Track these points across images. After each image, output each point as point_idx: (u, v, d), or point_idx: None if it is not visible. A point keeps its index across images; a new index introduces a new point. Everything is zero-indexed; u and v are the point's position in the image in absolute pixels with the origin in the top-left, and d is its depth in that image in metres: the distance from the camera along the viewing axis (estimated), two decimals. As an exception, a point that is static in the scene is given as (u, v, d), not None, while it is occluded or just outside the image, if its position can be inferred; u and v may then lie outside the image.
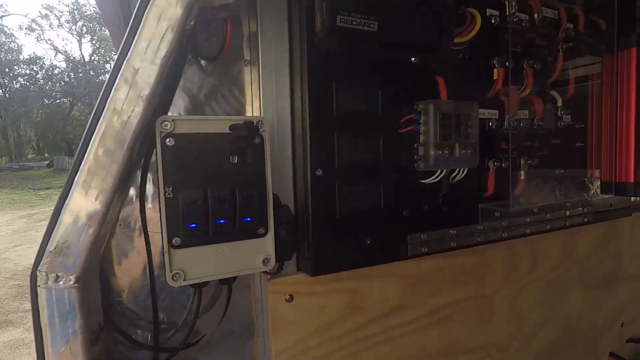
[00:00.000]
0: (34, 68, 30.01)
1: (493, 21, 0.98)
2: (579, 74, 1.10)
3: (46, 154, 31.27)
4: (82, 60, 31.70)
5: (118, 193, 0.67)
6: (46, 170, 22.68)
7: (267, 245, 0.77)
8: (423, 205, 0.93)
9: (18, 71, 29.31)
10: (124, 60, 0.64)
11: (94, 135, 0.63)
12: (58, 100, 31.35)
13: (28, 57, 30.21)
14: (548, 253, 1.16)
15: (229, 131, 0.74)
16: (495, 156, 0.99)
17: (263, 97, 0.86)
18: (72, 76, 30.92)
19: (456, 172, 0.94)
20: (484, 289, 1.07)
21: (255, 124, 0.75)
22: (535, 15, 1.03)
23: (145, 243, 0.74)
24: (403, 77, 0.90)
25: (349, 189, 0.85)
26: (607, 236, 1.27)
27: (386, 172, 0.89)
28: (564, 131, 1.08)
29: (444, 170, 0.91)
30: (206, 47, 0.81)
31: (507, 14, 1.00)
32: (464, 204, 0.98)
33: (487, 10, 0.99)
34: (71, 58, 31.92)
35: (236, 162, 0.74)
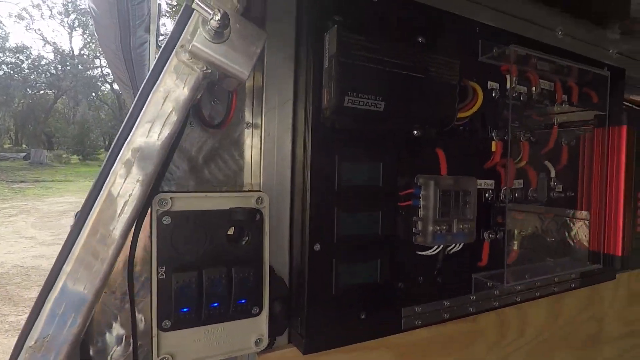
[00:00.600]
0: (20, 57, 29.15)
1: (493, 94, 0.99)
2: (572, 145, 1.13)
3: (24, 145, 30.29)
4: (72, 54, 31.02)
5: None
6: (22, 162, 21.96)
7: (260, 324, 0.75)
8: (419, 277, 0.93)
9: (2, 58, 28.41)
10: (124, 143, 0.61)
11: (87, 221, 0.60)
12: (42, 92, 30.52)
13: (15, 45, 29.36)
14: (536, 318, 1.17)
15: (229, 208, 0.72)
16: (490, 228, 1.00)
17: (264, 164, 0.85)
18: (60, 68, 30.17)
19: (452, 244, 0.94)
20: (473, 355, 1.07)
21: (255, 200, 0.74)
22: (533, 88, 1.05)
23: (132, 326, 0.70)
24: (405, 150, 0.90)
25: (347, 263, 0.84)
26: (591, 298, 1.30)
27: (384, 246, 0.88)
28: (556, 201, 1.09)
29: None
30: (209, 114, 0.79)
31: (508, 87, 1.01)
32: (458, 275, 0.98)
33: (488, 82, 1.00)
34: (60, 50, 31.22)
35: (234, 240, 0.72)
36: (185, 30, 0.62)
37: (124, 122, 0.62)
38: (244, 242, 0.72)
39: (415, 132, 0.90)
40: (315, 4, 0.79)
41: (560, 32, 1.21)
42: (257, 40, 0.64)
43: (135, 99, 0.63)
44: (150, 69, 0.63)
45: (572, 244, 1.15)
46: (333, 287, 0.83)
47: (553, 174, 1.09)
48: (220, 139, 0.87)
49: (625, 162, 1.06)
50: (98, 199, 0.60)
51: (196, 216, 0.70)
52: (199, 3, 0.56)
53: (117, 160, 0.61)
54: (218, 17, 0.56)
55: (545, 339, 1.19)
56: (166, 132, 0.63)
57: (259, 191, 0.77)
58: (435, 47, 0.88)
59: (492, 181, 1.02)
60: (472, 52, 0.97)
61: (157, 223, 0.66)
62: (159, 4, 1.60)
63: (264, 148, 0.84)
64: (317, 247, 0.80)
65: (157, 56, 0.64)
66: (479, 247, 1.00)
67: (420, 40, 0.89)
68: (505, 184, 1.02)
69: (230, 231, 0.75)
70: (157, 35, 1.57)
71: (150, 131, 0.62)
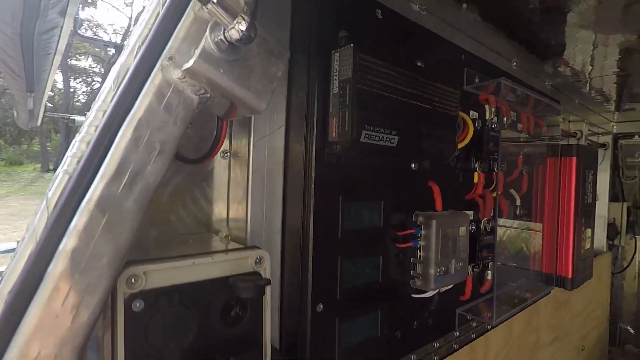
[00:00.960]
0: None
1: (477, 125, 0.97)
2: (530, 173, 1.18)
3: None
4: None
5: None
6: None
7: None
8: (414, 322, 0.85)
9: None
10: (72, 207, 0.40)
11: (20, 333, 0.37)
12: None
13: None
14: (496, 340, 1.20)
15: (220, 275, 0.54)
16: (475, 261, 0.97)
17: (251, 204, 0.67)
18: None
19: (444, 283, 0.89)
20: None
21: (255, 261, 0.57)
22: (505, 119, 1.06)
23: None
24: (404, 185, 0.81)
25: (349, 321, 0.72)
26: (532, 312, 1.40)
27: (384, 296, 0.78)
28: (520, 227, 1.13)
29: (437, 285, 0.85)
30: (188, 146, 0.59)
31: (487, 117, 1.01)
32: (445, 313, 0.94)
33: (470, 112, 0.98)
34: None
35: (228, 320, 0.54)
36: (175, 35, 0.43)
37: (75, 173, 0.40)
38: (243, 320, 0.55)
39: (413, 165, 0.82)
40: (322, 14, 0.65)
41: (515, 64, 1.27)
42: (278, 60, 0.48)
43: (96, 134, 0.41)
44: (119, 88, 0.42)
45: (530, 268, 1.20)
46: (336, 351, 0.70)
47: (518, 202, 1.12)
48: (189, 172, 0.67)
49: (575, 190, 1.14)
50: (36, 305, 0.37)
51: (179, 292, 0.50)
52: (216, 4, 0.38)
53: (63, 243, 0.39)
54: (243, 26, 0.39)
55: (503, 358, 1.24)
56: (145, 184, 0.43)
57: (256, 248, 0.60)
58: (435, 74, 0.82)
59: (472, 211, 1.00)
60: (460, 80, 0.93)
61: (124, 312, 0.45)
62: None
63: (251, 184, 0.67)
64: (319, 307, 0.67)
65: (128, 69, 0.43)
66: (463, 282, 0.97)
67: (419, 64, 0.81)
68: (483, 214, 1.00)
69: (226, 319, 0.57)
70: (77, 23, 1.21)
71: (122, 185, 0.41)
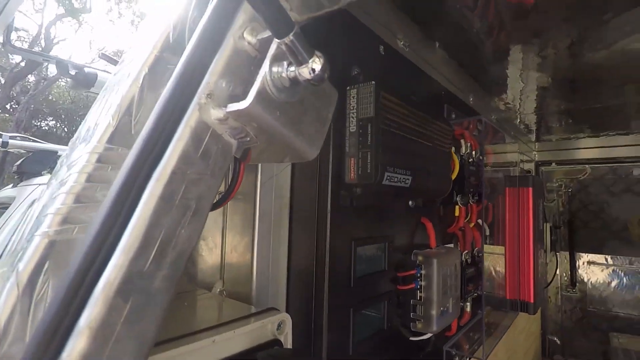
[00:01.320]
0: None
1: (458, 159, 1.00)
2: (493, 204, 1.24)
3: None
4: None
5: None
6: None
7: None
8: (412, 366, 0.82)
9: None
10: (86, 287, 0.29)
11: None
12: None
13: None
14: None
15: (241, 349, 0.45)
16: (462, 295, 0.98)
17: (257, 255, 0.59)
18: None
19: (437, 321, 0.87)
20: None
21: (277, 327, 0.49)
22: (474, 152, 1.11)
23: None
24: (403, 224, 0.79)
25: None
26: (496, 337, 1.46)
27: (389, 344, 0.74)
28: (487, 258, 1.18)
29: (435, 325, 0.83)
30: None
31: (463, 152, 1.04)
32: (435, 351, 0.92)
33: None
34: None
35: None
36: (213, 68, 0.35)
37: (85, 244, 0.29)
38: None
39: (410, 202, 0.80)
40: (335, 50, 0.60)
41: (471, 99, 1.35)
42: (329, 102, 0.42)
43: (115, 189, 0.30)
44: (146, 128, 0.32)
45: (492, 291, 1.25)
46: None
47: (487, 232, 1.17)
48: (181, 220, 0.56)
49: (533, 218, 1.23)
50: None
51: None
52: (296, 37, 0.32)
53: (68, 349, 0.27)
54: (318, 65, 0.33)
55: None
56: (177, 253, 0.33)
57: (275, 310, 0.51)
58: (430, 111, 0.82)
59: (452, 245, 1.02)
60: (444, 116, 0.95)
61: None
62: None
63: (258, 231, 0.58)
64: (335, 368, 0.60)
65: (135, 101, 0.34)
66: (450, 317, 0.97)
67: (413, 98, 0.81)
68: (463, 247, 1.02)
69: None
70: (8, 33, 0.98)
71: (150, 259, 0.31)
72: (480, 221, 1.19)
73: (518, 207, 1.24)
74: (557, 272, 2.36)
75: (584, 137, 2.13)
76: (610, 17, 0.84)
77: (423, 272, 0.78)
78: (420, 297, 0.78)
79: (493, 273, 1.37)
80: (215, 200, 0.50)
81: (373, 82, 0.58)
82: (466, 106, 1.19)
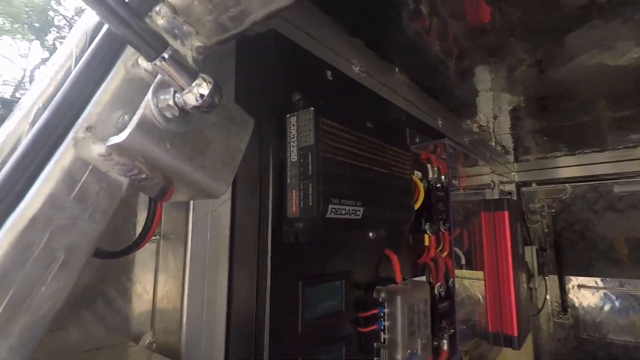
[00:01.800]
0: None
1: (425, 185, 0.96)
2: (468, 229, 1.20)
3: None
4: None
5: None
6: None
7: None
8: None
9: None
10: None
11: None
12: None
13: None
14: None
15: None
16: (433, 333, 0.91)
17: (188, 300, 0.52)
18: None
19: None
20: None
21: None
22: (443, 177, 1.08)
23: None
24: (362, 257, 0.73)
25: None
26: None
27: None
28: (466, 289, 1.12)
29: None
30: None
31: (430, 177, 1.00)
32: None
33: (415, 172, 0.96)
34: None
35: None
36: (98, 99, 0.30)
37: None
38: None
39: (371, 234, 0.75)
40: (275, 75, 0.57)
41: (440, 122, 1.33)
42: (242, 130, 0.37)
43: None
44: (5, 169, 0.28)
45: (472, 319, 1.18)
46: None
47: (463, 261, 1.11)
48: (100, 266, 0.50)
49: (511, 244, 1.18)
50: None
51: None
52: (169, 59, 0.28)
53: None
54: (205, 89, 0.28)
55: None
56: (33, 317, 0.27)
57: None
58: (386, 136, 0.78)
59: (424, 277, 0.96)
60: (404, 141, 0.92)
61: None
62: None
63: (189, 273, 0.53)
64: None
65: (19, 141, 0.29)
66: (424, 356, 0.90)
67: (369, 125, 0.77)
68: (435, 279, 0.96)
69: None
70: None
71: (22, 302, 0.25)
72: (456, 249, 1.14)
73: (494, 233, 1.20)
74: (547, 297, 2.29)
75: (561, 156, 2.12)
76: (566, 35, 0.84)
77: (386, 310, 0.72)
78: (384, 339, 0.71)
79: (481, 300, 1.31)
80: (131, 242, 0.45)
81: (312, 108, 0.54)
82: (433, 130, 1.16)
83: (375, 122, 0.79)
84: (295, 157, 0.55)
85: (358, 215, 0.60)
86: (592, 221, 2.28)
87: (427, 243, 0.94)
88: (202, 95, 0.28)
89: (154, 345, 0.53)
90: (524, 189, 2.37)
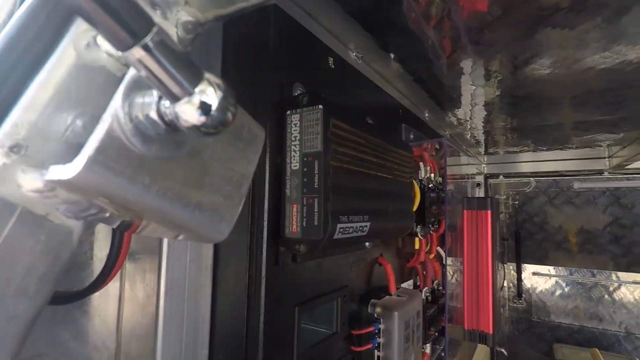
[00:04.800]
0: None
1: (419, 187, 0.89)
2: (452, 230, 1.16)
3: None
4: None
5: None
6: None
7: None
8: None
9: None
10: None
11: None
12: None
13: None
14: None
15: None
16: (423, 341, 0.87)
17: (163, 339, 0.42)
18: None
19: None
20: None
21: None
22: (432, 175, 1.02)
23: None
24: (357, 269, 0.66)
25: None
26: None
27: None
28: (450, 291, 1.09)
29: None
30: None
31: (422, 177, 0.94)
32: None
33: (408, 171, 0.90)
34: None
35: None
36: (31, 102, 0.19)
37: None
38: None
39: (367, 244, 0.68)
40: (275, 62, 0.46)
41: (427, 114, 1.27)
42: (250, 148, 0.27)
43: None
44: None
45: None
46: None
47: (445, 261, 1.08)
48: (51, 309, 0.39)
49: (492, 243, 1.16)
50: None
51: None
52: (156, 45, 0.17)
53: None
54: (214, 98, 0.18)
55: None
56: None
57: None
58: (388, 135, 0.70)
59: (411, 281, 0.91)
60: (401, 139, 0.85)
61: None
62: None
63: (164, 306, 0.42)
64: None
65: None
66: (410, 365, 0.86)
67: (369, 121, 0.69)
68: (423, 283, 0.92)
69: None
70: None
71: None
72: (439, 249, 1.10)
73: (476, 232, 1.18)
74: (505, 283, 2.39)
75: (528, 151, 2.18)
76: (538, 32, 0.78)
77: (382, 326, 0.66)
78: (379, 357, 0.66)
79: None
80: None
81: (321, 106, 0.44)
82: (422, 123, 1.10)
83: (375, 118, 0.70)
84: (297, 164, 0.45)
85: (364, 232, 0.52)
86: (551, 214, 2.39)
87: (417, 247, 0.88)
88: (208, 109, 0.18)
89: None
90: (491, 180, 2.41)
